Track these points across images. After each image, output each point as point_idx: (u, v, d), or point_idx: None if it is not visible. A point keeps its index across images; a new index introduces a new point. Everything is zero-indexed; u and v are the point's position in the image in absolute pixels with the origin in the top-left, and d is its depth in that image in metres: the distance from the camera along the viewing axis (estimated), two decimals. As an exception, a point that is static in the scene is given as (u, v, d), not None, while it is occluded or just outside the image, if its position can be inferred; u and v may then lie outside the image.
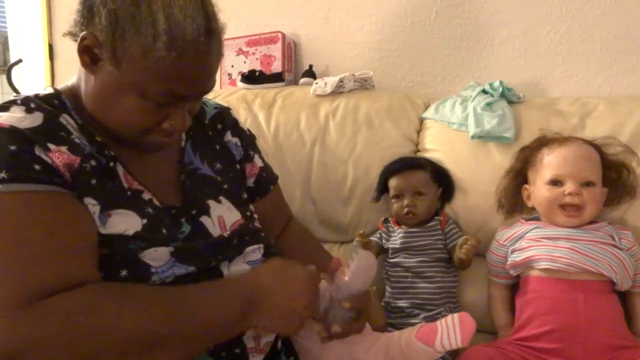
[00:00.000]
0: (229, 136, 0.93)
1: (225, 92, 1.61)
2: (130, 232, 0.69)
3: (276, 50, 1.67)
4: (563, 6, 1.43)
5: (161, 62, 0.64)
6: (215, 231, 0.80)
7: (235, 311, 0.69)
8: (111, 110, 0.70)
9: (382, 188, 1.29)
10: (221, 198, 0.84)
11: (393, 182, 1.25)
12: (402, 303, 1.17)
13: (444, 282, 1.17)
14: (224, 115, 0.94)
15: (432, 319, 1.12)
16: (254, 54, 1.71)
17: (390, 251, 1.23)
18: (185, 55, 0.65)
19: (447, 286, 1.18)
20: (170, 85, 0.67)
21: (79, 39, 0.68)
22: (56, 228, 0.63)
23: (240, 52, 1.73)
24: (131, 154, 0.76)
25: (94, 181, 0.69)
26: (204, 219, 0.80)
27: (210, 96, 1.56)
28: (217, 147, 0.91)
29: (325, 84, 1.46)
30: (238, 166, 0.93)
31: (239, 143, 0.94)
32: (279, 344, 0.84)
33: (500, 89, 1.33)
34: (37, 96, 0.72)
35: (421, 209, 1.21)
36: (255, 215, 0.92)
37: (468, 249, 1.11)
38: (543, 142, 1.16)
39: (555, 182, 1.09)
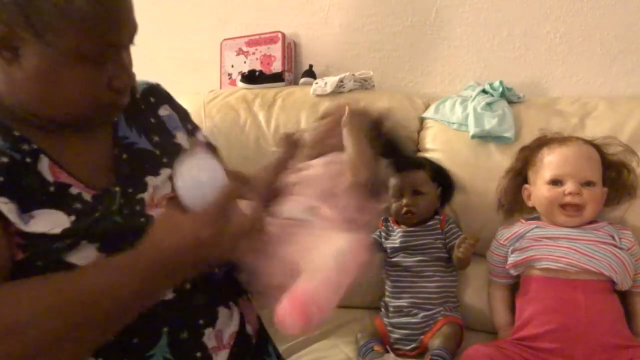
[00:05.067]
0: (163, 110, 0.89)
1: (225, 92, 1.61)
2: (57, 230, 0.65)
3: (276, 50, 1.67)
4: (563, 6, 1.43)
5: (84, 16, 0.62)
6: (147, 198, 0.75)
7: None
8: (55, 94, 0.67)
9: (382, 188, 1.29)
10: (161, 171, 0.79)
11: (392, 182, 1.25)
12: (401, 302, 1.17)
13: (443, 282, 1.17)
14: (155, 89, 0.91)
15: (431, 318, 1.13)
16: (254, 54, 1.71)
17: (389, 250, 1.23)
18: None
19: (446, 285, 1.18)
20: (103, 35, 0.65)
21: None
22: None
23: (240, 52, 1.73)
24: (57, 143, 0.71)
25: (1, 179, 0.64)
26: (142, 196, 0.75)
27: (210, 96, 1.58)
28: (152, 120, 0.86)
29: (325, 84, 1.46)
30: (175, 140, 0.87)
31: (174, 115, 0.90)
32: (248, 328, 0.80)
33: (500, 89, 1.33)
34: None
35: (420, 208, 1.21)
36: None
37: (466, 248, 1.11)
38: (543, 142, 1.16)
39: (556, 182, 1.09)
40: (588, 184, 1.07)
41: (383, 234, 1.27)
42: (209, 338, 0.73)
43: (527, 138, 1.22)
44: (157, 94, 0.90)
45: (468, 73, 1.54)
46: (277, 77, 1.63)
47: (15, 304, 0.60)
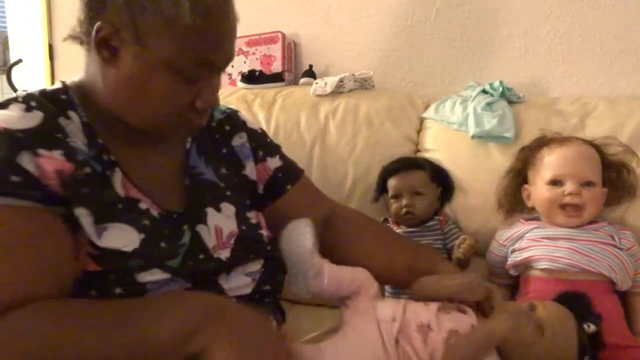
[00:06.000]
0: (237, 139, 0.90)
1: (225, 92, 1.61)
2: (129, 248, 0.66)
3: (276, 50, 1.67)
4: (563, 6, 1.43)
5: (187, 29, 0.65)
6: (210, 241, 0.76)
7: (188, 321, 0.60)
8: (142, 99, 0.69)
9: (382, 188, 1.29)
10: (222, 205, 0.80)
11: (392, 182, 1.25)
12: (401, 303, 1.17)
13: (443, 282, 1.17)
14: (232, 117, 0.92)
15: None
16: (254, 54, 1.71)
17: (390, 251, 1.23)
18: (209, 17, 0.66)
19: (447, 286, 1.18)
20: (199, 51, 0.67)
21: (93, 32, 0.66)
22: (19, 244, 0.61)
23: (240, 52, 1.73)
24: (133, 156, 0.74)
25: (86, 190, 0.66)
26: (200, 228, 0.76)
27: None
28: (224, 150, 0.88)
29: (325, 84, 1.46)
30: (244, 172, 0.89)
31: (247, 143, 0.91)
32: None
33: (500, 89, 1.33)
34: (43, 92, 0.70)
35: (419, 209, 1.21)
36: (257, 222, 0.86)
37: (466, 249, 1.11)
38: (543, 142, 1.16)
39: (556, 182, 1.09)
40: (588, 184, 1.07)
41: (383, 234, 1.27)
42: None
43: (527, 138, 1.22)
44: (233, 122, 0.91)
45: (468, 73, 1.54)
46: (277, 77, 1.63)
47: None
